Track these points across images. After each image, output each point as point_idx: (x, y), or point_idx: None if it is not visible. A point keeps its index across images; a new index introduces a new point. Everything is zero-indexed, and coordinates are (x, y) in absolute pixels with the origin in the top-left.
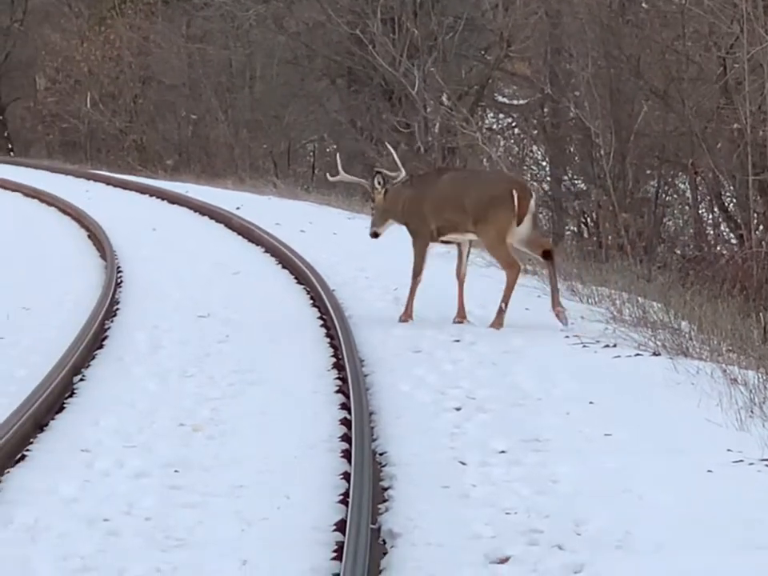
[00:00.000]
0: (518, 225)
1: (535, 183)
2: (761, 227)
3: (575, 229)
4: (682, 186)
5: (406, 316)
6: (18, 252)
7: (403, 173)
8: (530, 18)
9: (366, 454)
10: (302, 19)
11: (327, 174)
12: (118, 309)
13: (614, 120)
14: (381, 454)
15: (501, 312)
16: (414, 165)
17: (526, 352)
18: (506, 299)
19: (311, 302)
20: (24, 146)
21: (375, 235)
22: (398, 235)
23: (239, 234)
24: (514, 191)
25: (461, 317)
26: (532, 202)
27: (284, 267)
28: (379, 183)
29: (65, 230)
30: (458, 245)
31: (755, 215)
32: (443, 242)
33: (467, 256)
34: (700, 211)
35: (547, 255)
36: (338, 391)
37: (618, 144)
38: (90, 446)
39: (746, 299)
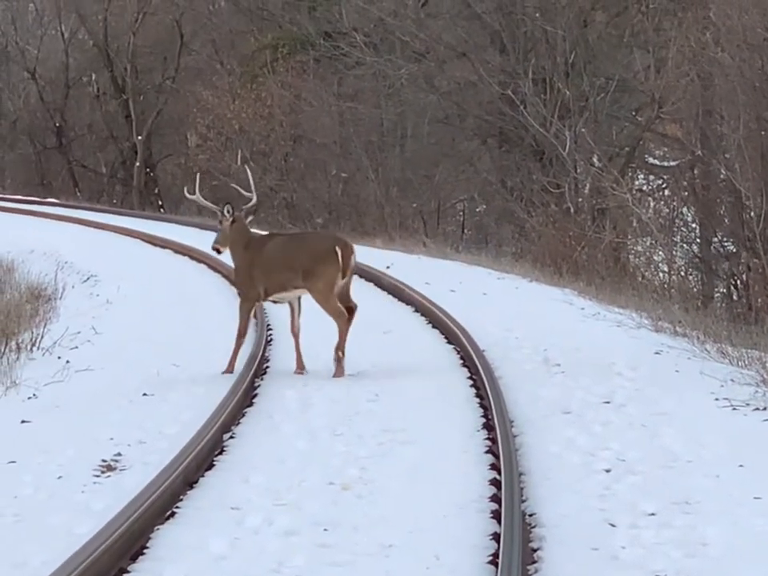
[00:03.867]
0: (343, 278)
1: (685, 245)
2: None
3: (725, 291)
4: None
5: (229, 369)
6: (167, 309)
7: (254, 198)
8: (682, 80)
9: (515, 514)
10: (454, 79)
11: (185, 190)
12: (267, 366)
13: (764, 182)
14: (530, 515)
15: (338, 360)
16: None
17: (676, 414)
18: (340, 347)
19: (461, 361)
20: (174, 203)
21: (218, 251)
22: (545, 298)
23: (389, 293)
24: (338, 248)
25: (300, 368)
26: (353, 258)
27: (434, 327)
28: (228, 212)
29: (214, 287)
30: (289, 303)
31: None
32: (272, 300)
33: (299, 313)
34: None
35: (350, 311)
36: (487, 451)
37: None
38: (240, 503)
39: None
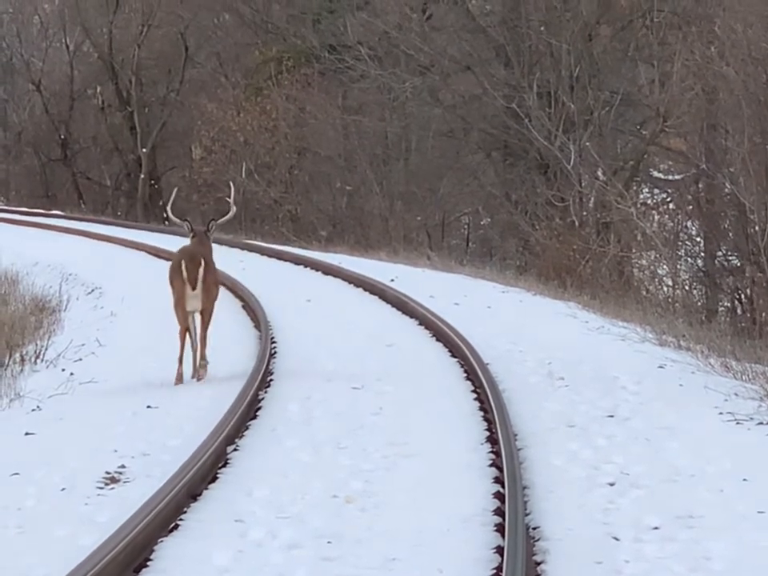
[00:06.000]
0: (193, 289)
1: (689, 259)
2: None
3: (729, 305)
4: None
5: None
6: (172, 321)
7: (233, 210)
8: (686, 94)
9: (519, 528)
10: (458, 92)
11: (168, 209)
12: (271, 380)
13: None
14: (534, 529)
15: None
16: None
17: (680, 428)
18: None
19: (465, 375)
20: (179, 215)
21: None
22: (549, 312)
23: (393, 306)
24: (183, 261)
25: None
26: (200, 270)
27: (438, 340)
28: (188, 228)
29: (219, 301)
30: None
31: None
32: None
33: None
34: None
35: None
36: (491, 465)
37: None
38: (244, 516)
39: None
